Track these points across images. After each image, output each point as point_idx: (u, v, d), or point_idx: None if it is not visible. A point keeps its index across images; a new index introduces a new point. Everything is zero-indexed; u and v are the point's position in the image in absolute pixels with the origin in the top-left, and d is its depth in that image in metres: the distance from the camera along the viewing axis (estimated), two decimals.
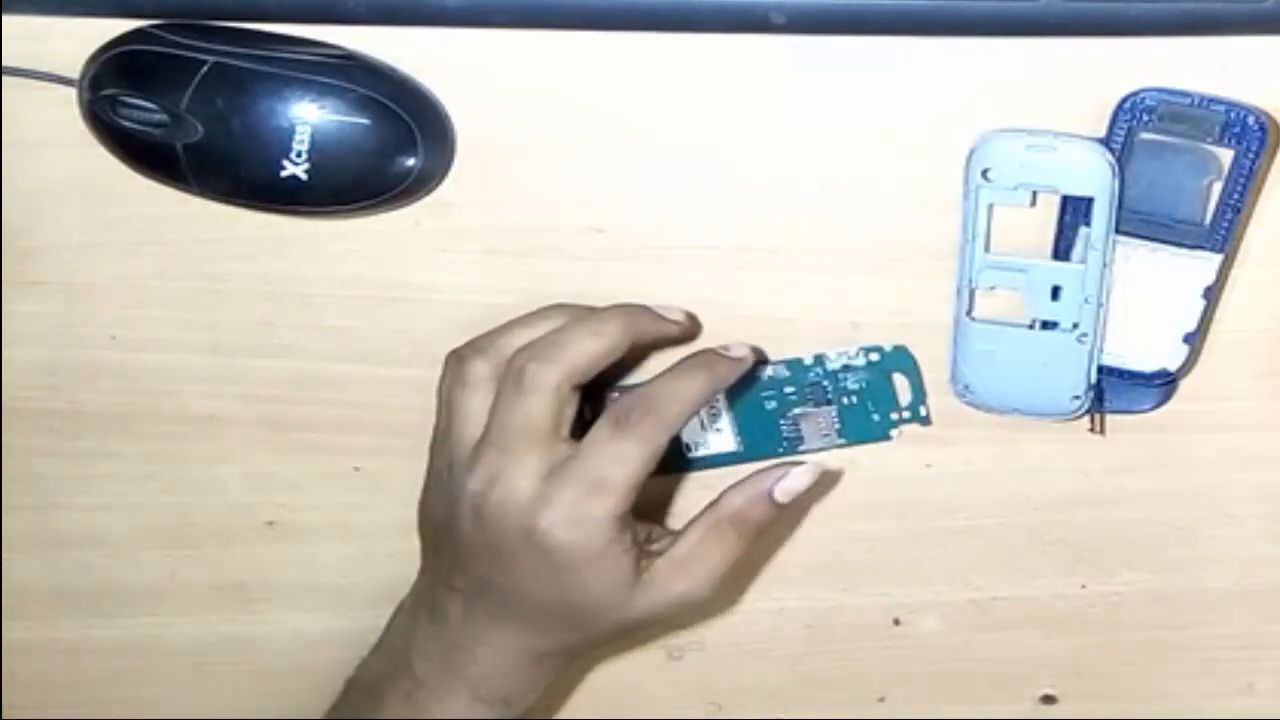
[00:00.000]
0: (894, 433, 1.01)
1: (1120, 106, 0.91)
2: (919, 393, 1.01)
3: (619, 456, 0.88)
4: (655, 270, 0.99)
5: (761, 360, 1.00)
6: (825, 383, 1.01)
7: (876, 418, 1.01)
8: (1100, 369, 0.98)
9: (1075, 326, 0.96)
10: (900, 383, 1.00)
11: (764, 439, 1.02)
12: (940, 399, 1.02)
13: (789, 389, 1.01)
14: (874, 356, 0.99)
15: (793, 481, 0.90)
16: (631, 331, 0.93)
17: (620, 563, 0.88)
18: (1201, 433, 1.04)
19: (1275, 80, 0.91)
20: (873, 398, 1.01)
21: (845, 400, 1.02)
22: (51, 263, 1.00)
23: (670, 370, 0.92)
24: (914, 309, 1.00)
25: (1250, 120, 0.89)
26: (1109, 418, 1.01)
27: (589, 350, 0.90)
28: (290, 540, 1.04)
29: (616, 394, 0.99)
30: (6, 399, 1.04)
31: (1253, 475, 1.06)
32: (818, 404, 1.02)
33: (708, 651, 1.13)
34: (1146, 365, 0.98)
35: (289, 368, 1.04)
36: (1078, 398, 0.98)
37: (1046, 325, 0.96)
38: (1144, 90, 0.90)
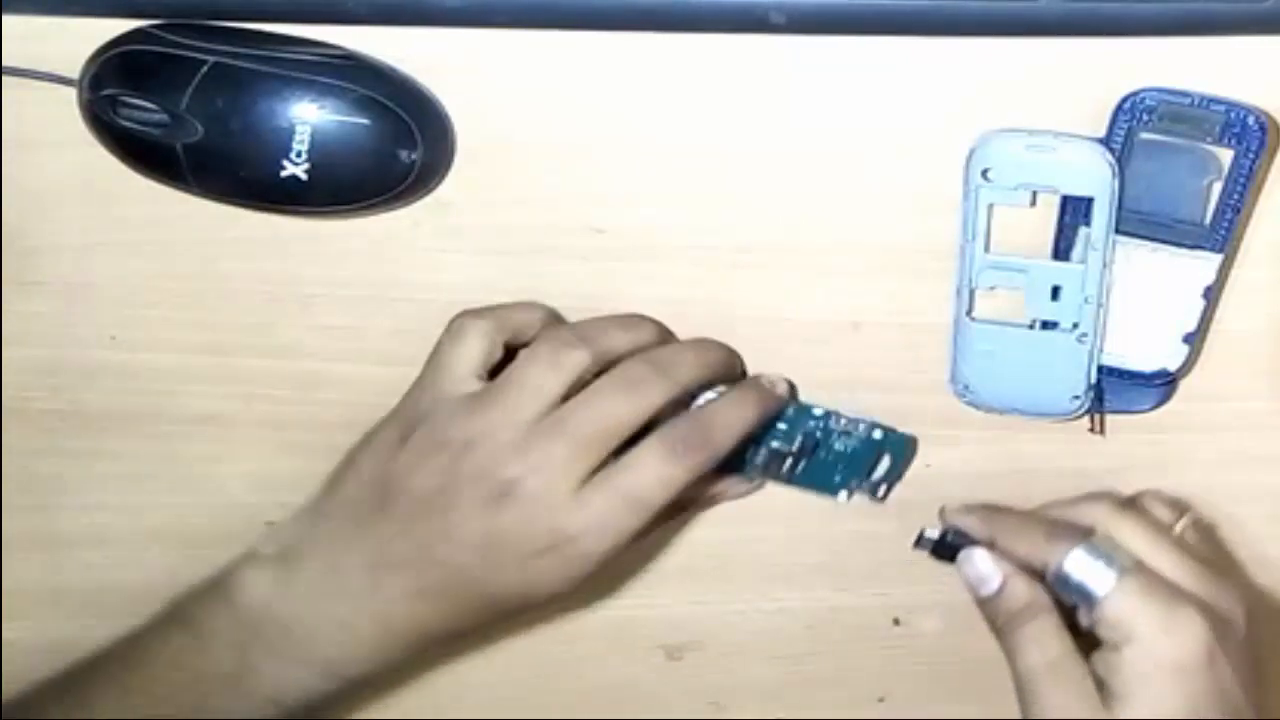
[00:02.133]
0: (843, 494, 1.00)
1: (1120, 106, 0.90)
2: (892, 476, 1.00)
3: (666, 480, 0.87)
4: (655, 270, 0.99)
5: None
6: (819, 434, 1.00)
7: (838, 478, 1.00)
8: (1100, 369, 0.97)
9: (1075, 326, 0.95)
10: (882, 458, 1.00)
11: (731, 455, 0.98)
12: (940, 398, 1.01)
13: (783, 425, 0.99)
14: (877, 434, 0.98)
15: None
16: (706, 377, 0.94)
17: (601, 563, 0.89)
18: (1202, 433, 1.03)
19: (1275, 80, 0.90)
20: (848, 462, 1.00)
21: (823, 454, 1.00)
22: (51, 263, 1.00)
23: (724, 400, 0.92)
24: (914, 309, 0.99)
25: (1250, 120, 0.89)
26: (1109, 418, 1.01)
27: (696, 378, 0.91)
28: None
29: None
30: (6, 399, 1.04)
31: (1253, 475, 1.05)
32: (799, 449, 1.00)
33: (707, 651, 1.12)
34: (1146, 365, 0.98)
35: (289, 367, 1.03)
36: (1078, 398, 0.98)
37: (1046, 325, 0.96)
38: (1144, 90, 0.89)
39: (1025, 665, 0.86)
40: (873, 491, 0.98)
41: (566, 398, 0.88)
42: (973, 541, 0.92)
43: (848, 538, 1.07)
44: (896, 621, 1.10)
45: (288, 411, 1.04)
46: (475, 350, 0.92)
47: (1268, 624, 1.06)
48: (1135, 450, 1.03)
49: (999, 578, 0.90)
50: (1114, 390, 0.98)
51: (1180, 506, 0.93)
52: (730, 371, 0.96)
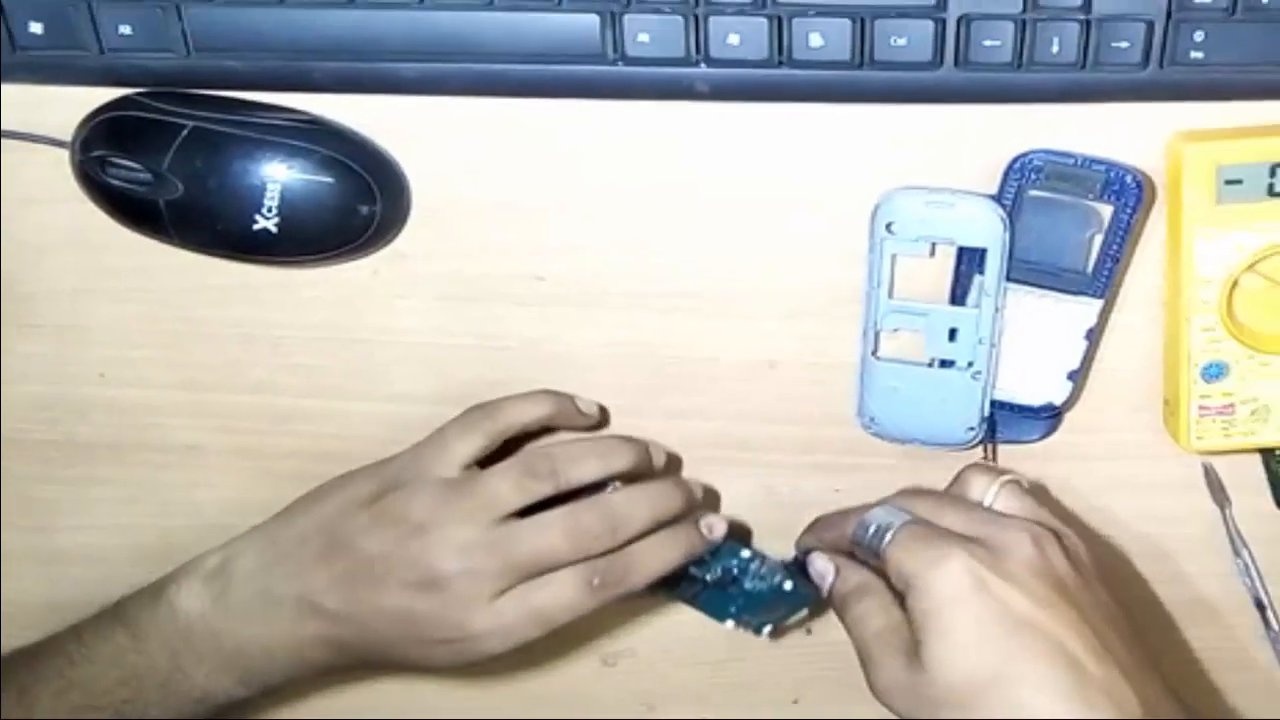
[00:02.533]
0: (730, 624, 0.99)
1: (1011, 166, 0.93)
2: (783, 622, 0.99)
3: (574, 607, 0.91)
4: (592, 315, 1.01)
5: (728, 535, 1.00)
6: (736, 572, 1.01)
7: (734, 609, 1.00)
8: (992, 403, 1.01)
9: (970, 365, 0.98)
10: (781, 606, 1.00)
11: None
12: (849, 429, 1.04)
13: (708, 557, 1.00)
14: (787, 586, 0.99)
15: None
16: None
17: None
18: (1084, 461, 1.06)
19: (1150, 143, 0.94)
20: (749, 600, 1.00)
21: (732, 589, 1.01)
22: (47, 307, 1.02)
23: (654, 540, 0.94)
24: (825, 349, 1.02)
25: (1128, 179, 0.92)
26: (1000, 447, 1.04)
27: (645, 528, 0.94)
28: None
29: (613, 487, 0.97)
30: (6, 430, 1.07)
31: (1130, 499, 1.08)
32: (713, 581, 1.01)
33: (640, 658, 1.15)
34: (1034, 400, 1.01)
35: (261, 402, 1.06)
36: (972, 429, 1.01)
37: (944, 364, 0.99)
38: (1032, 152, 0.93)
39: (859, 638, 0.89)
40: (757, 630, 0.98)
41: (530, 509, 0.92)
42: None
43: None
44: (809, 632, 1.12)
45: (259, 442, 1.07)
46: (472, 445, 0.95)
47: (1144, 634, 1.10)
48: (1024, 476, 1.02)
49: (831, 569, 0.93)
50: (1005, 422, 1.02)
51: (996, 472, 0.94)
52: (681, 515, 0.97)
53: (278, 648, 0.93)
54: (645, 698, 1.18)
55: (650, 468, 1.01)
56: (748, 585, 1.00)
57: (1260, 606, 1.10)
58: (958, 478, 0.95)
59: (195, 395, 1.06)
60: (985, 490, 0.93)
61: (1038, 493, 1.00)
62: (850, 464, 1.07)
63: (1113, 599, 0.88)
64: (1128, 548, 1.11)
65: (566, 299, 1.02)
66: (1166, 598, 1.13)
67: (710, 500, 1.09)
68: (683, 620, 1.06)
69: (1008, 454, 1.05)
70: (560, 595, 0.90)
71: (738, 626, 0.98)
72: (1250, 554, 1.09)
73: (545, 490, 0.93)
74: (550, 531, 0.91)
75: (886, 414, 1.02)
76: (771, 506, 1.09)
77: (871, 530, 0.90)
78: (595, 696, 1.17)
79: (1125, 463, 1.07)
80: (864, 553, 0.91)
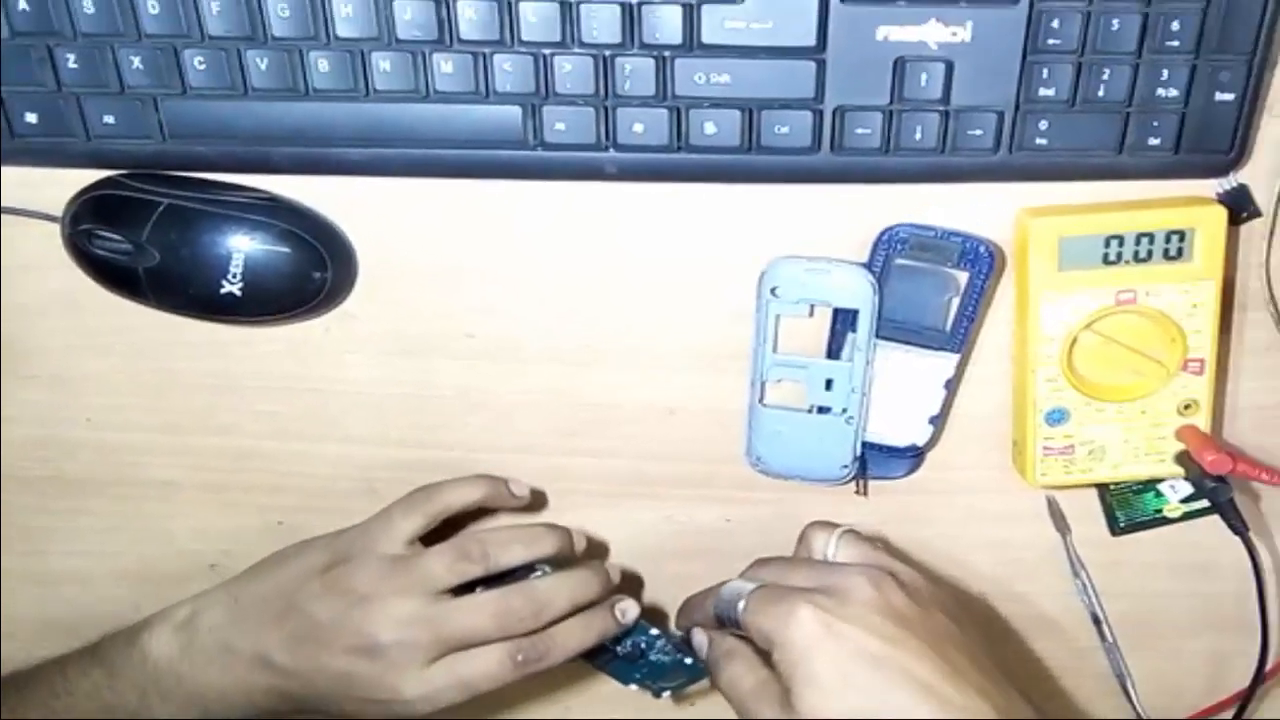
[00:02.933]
0: (633, 686, 1.02)
1: (880, 238, 0.99)
2: (679, 689, 1.01)
3: (497, 678, 0.95)
4: (515, 367, 1.06)
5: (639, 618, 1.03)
6: (643, 646, 1.05)
7: (638, 675, 1.02)
8: (863, 444, 1.06)
9: (844, 411, 1.04)
10: (679, 677, 1.01)
11: None
12: (739, 468, 1.08)
13: (624, 634, 1.04)
14: (688, 661, 1.01)
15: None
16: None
17: None
18: (943, 495, 1.12)
19: (1001, 217, 0.99)
20: (652, 669, 1.03)
21: (639, 659, 1.04)
22: (40, 361, 1.06)
23: (573, 622, 0.99)
24: (718, 397, 1.06)
25: (982, 249, 0.98)
26: (871, 483, 1.09)
27: (563, 613, 0.99)
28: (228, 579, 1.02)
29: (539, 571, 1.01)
30: (5, 468, 1.11)
31: (984, 528, 1.14)
32: (623, 653, 1.05)
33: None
34: (900, 441, 1.06)
35: (228, 443, 1.09)
36: (846, 467, 1.06)
37: (822, 410, 1.04)
38: (898, 225, 0.99)
39: (735, 698, 0.91)
40: (657, 694, 1.00)
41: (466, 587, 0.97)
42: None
43: (664, 578, 1.15)
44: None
45: (225, 479, 1.11)
46: (414, 524, 1.00)
47: (1003, 644, 1.16)
48: (891, 508, 1.11)
49: (705, 640, 0.97)
50: (874, 461, 1.07)
51: (834, 525, 0.97)
52: (599, 599, 1.01)
53: (233, 693, 0.97)
54: (561, 699, 1.22)
55: (572, 552, 1.04)
56: (653, 658, 1.04)
57: (1097, 621, 1.15)
58: (801, 536, 0.99)
59: (170, 437, 1.09)
60: (826, 543, 0.96)
61: (879, 537, 1.07)
62: (740, 497, 1.11)
63: (960, 620, 0.91)
64: (982, 571, 1.16)
65: (493, 354, 1.05)
66: (1016, 614, 1.18)
67: (618, 527, 1.14)
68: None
69: (877, 488, 1.09)
70: (486, 668, 0.95)
71: (640, 689, 1.01)
72: (1088, 575, 1.14)
73: (476, 572, 0.97)
74: (480, 613, 0.95)
75: (771, 454, 1.07)
76: (671, 535, 1.13)
77: (727, 602, 0.93)
78: (513, 699, 1.19)
79: (979, 496, 1.12)
80: (728, 623, 0.93)
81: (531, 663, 0.96)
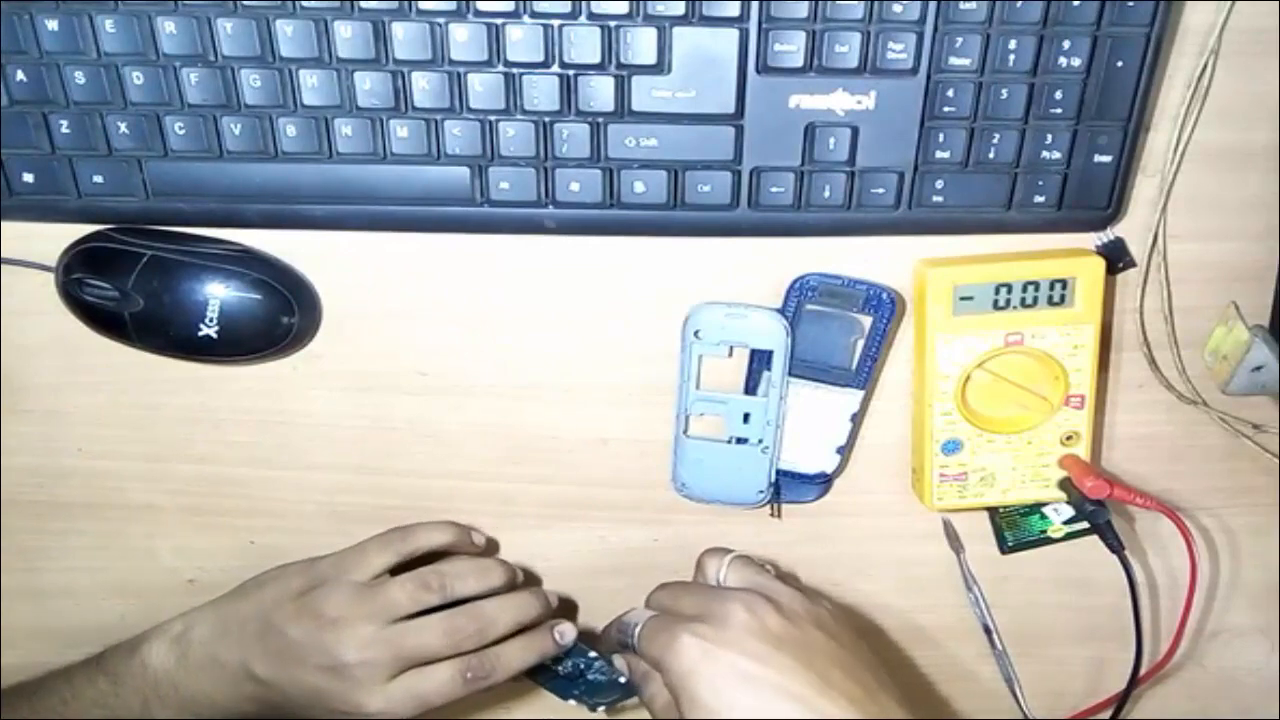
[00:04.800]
0: (571, 701, 1.03)
1: (792, 286, 0.99)
2: (613, 702, 1.02)
3: (448, 694, 0.96)
4: (463, 402, 1.06)
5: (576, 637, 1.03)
6: (582, 666, 1.06)
7: (576, 692, 1.03)
8: (778, 471, 1.06)
9: (760, 442, 1.04)
10: (614, 694, 1.02)
11: None
12: (664, 493, 1.08)
13: (562, 655, 1.05)
14: (622, 680, 1.01)
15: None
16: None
17: None
18: (850, 517, 1.12)
19: (902, 267, 1.00)
20: (589, 687, 1.04)
21: (576, 674, 1.05)
22: (35, 397, 1.05)
23: (516, 642, 0.99)
24: (646, 429, 1.07)
25: (884, 296, 0.99)
26: (784, 506, 1.10)
27: (507, 631, 0.99)
28: (205, 594, 1.03)
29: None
30: (4, 493, 1.10)
31: (886, 547, 1.14)
32: (563, 673, 1.06)
33: None
34: (811, 469, 1.06)
35: (205, 470, 1.09)
36: (762, 492, 1.06)
37: (740, 441, 1.04)
38: (809, 274, 0.99)
39: (652, 714, 0.95)
40: (592, 709, 1.01)
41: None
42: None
43: (597, 592, 1.15)
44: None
45: (203, 502, 1.10)
46: (385, 559, 1.01)
47: (887, 652, 1.16)
48: (802, 529, 1.12)
49: (625, 664, 1.00)
50: (787, 487, 1.07)
51: (725, 551, 0.98)
52: (539, 620, 1.02)
53: (223, 700, 0.97)
54: (502, 699, 1.20)
55: (516, 584, 1.04)
56: (590, 677, 1.05)
57: (988, 631, 1.16)
58: (698, 561, 1.00)
59: (153, 465, 1.09)
60: (718, 569, 0.97)
61: (769, 561, 1.06)
62: (666, 519, 1.12)
63: (840, 634, 0.91)
64: (885, 585, 1.16)
65: (443, 390, 1.05)
66: (915, 625, 1.19)
67: (556, 546, 1.13)
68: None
69: (790, 511, 1.10)
70: (439, 684, 0.95)
71: (578, 704, 1.02)
72: (980, 589, 1.15)
73: (434, 600, 0.98)
74: (432, 631, 0.96)
75: (695, 480, 1.07)
76: (604, 553, 1.13)
77: (625, 632, 0.95)
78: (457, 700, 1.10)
79: (882, 518, 1.12)
80: (631, 649, 0.95)
81: (479, 679, 0.96)
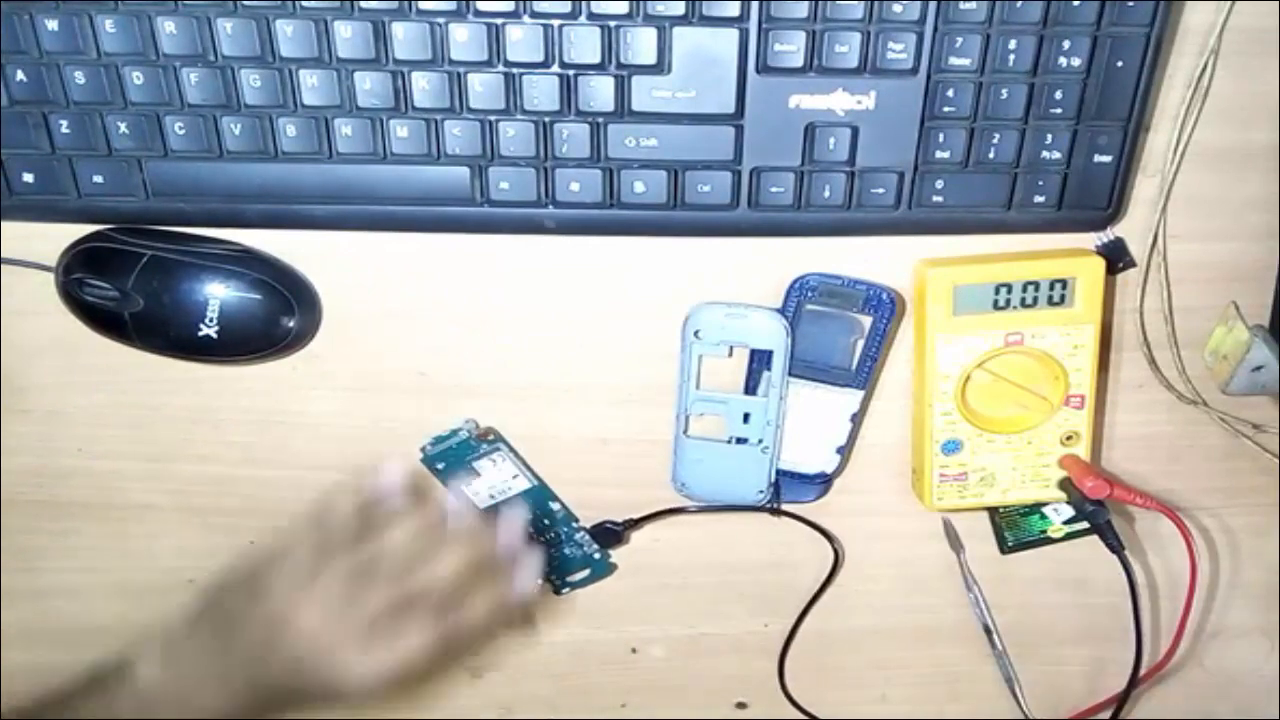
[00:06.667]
0: (539, 580, 1.01)
1: (792, 286, 0.99)
2: (581, 584, 1.06)
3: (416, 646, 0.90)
4: (463, 402, 1.05)
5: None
6: (562, 536, 1.06)
7: (546, 569, 1.05)
8: (778, 471, 1.05)
9: (760, 442, 1.04)
10: (584, 570, 1.05)
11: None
12: (665, 492, 1.07)
13: (549, 522, 1.05)
14: (597, 555, 1.05)
15: None
16: None
17: None
18: (850, 517, 1.11)
19: (901, 267, 1.00)
20: (563, 563, 1.06)
21: (555, 542, 1.07)
22: (36, 397, 1.05)
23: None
24: (646, 429, 1.07)
25: (884, 296, 0.98)
26: (785, 506, 1.09)
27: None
28: None
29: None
30: (4, 493, 1.10)
31: (886, 547, 1.14)
32: (545, 538, 1.06)
33: (503, 671, 1.19)
34: (810, 469, 1.06)
35: (205, 471, 1.09)
36: (761, 492, 1.06)
37: (740, 441, 1.04)
38: (809, 274, 0.99)
39: None
40: (557, 590, 1.01)
41: None
42: None
43: (600, 592, 1.14)
44: (634, 650, 1.18)
45: (202, 502, 1.10)
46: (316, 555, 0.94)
47: (895, 652, 1.16)
48: (802, 529, 1.11)
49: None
50: (787, 487, 1.07)
51: None
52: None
53: (209, 706, 0.93)
54: (504, 702, 1.21)
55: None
56: (566, 550, 1.07)
57: (988, 631, 1.16)
58: None
59: (153, 465, 1.08)
60: None
61: None
62: (667, 520, 1.10)
63: None
64: (885, 586, 1.16)
65: (442, 390, 1.05)
66: (914, 625, 1.19)
67: None
68: (535, 643, 1.10)
69: (790, 510, 1.10)
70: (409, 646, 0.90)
71: (545, 583, 1.04)
72: (980, 589, 1.15)
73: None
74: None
75: (695, 480, 1.07)
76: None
77: None
78: (461, 701, 1.18)
79: (882, 518, 1.12)
80: None
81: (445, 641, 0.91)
